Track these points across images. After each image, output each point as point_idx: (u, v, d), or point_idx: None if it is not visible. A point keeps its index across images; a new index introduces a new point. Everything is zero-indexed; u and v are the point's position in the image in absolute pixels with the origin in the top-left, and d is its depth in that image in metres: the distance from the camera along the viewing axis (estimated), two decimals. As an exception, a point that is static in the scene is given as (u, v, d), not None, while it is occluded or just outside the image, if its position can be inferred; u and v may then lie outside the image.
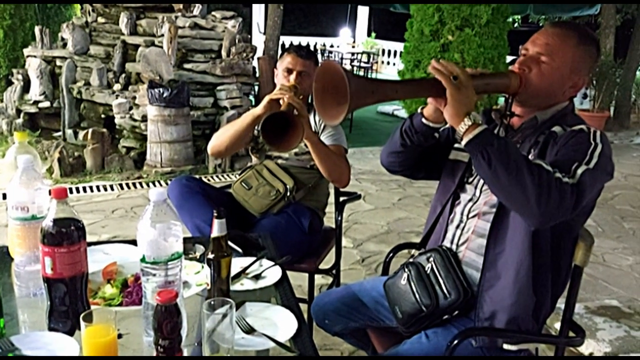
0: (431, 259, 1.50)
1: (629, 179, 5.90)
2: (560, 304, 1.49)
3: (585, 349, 2.52)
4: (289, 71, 2.18)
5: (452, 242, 1.54)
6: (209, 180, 5.03)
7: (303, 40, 13.95)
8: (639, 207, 4.96)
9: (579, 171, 1.23)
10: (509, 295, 1.37)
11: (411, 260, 1.58)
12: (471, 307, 1.44)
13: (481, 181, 1.48)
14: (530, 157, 1.36)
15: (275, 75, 2.27)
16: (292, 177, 2.21)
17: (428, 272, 1.49)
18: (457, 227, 1.53)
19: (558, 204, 1.19)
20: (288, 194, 2.19)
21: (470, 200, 1.51)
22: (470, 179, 1.53)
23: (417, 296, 1.47)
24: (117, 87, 5.73)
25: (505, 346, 1.41)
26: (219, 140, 2.19)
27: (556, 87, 1.41)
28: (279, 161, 2.26)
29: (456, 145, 1.58)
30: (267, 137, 1.81)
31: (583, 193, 1.22)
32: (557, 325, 1.56)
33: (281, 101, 2.00)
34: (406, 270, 1.54)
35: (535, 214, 1.20)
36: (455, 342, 1.36)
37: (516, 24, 11.46)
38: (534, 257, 1.34)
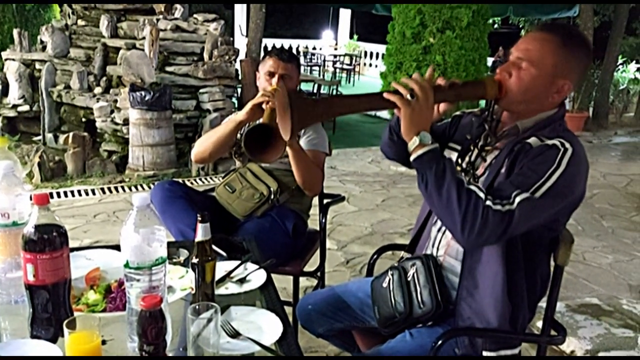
0: (414, 266, 1.51)
1: (607, 178, 6.00)
2: (542, 302, 1.51)
3: (566, 347, 2.56)
4: (271, 74, 2.18)
5: (433, 245, 1.55)
6: (192, 183, 5.01)
7: (285, 43, 13.95)
8: (618, 205, 5.05)
9: (518, 199, 1.23)
10: (486, 305, 1.38)
11: (396, 264, 1.59)
12: (446, 317, 1.46)
13: None
14: (503, 167, 1.35)
15: (257, 78, 2.27)
16: (275, 179, 2.22)
17: (409, 279, 1.50)
18: (439, 230, 1.54)
19: (480, 231, 1.22)
20: (272, 196, 2.19)
21: None
22: (464, 165, 1.51)
23: (393, 302, 1.49)
24: (98, 90, 5.68)
25: (485, 353, 1.42)
26: (202, 147, 2.19)
27: (538, 93, 1.37)
28: (263, 164, 2.26)
29: (450, 144, 1.57)
30: (249, 149, 1.81)
31: (519, 220, 1.23)
32: (539, 324, 1.58)
33: (264, 105, 2.00)
34: (389, 273, 1.56)
35: (459, 237, 1.26)
36: (440, 342, 1.37)
37: (496, 26, 11.59)
38: (508, 267, 1.36)
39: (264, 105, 2.01)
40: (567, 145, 1.31)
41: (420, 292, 1.46)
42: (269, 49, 2.67)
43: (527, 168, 1.30)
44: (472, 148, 1.49)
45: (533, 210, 1.25)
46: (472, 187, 1.25)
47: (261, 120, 1.98)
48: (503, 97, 1.38)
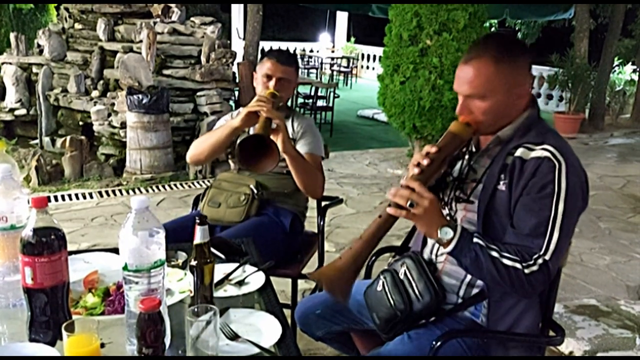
0: (404, 264, 1.53)
1: (604, 180, 6.01)
2: (540, 303, 1.52)
3: (565, 347, 2.56)
4: (268, 77, 2.14)
5: (431, 252, 1.55)
6: (189, 186, 5.02)
7: (283, 46, 13.94)
8: (614, 207, 5.06)
9: (547, 256, 1.30)
10: (491, 311, 1.41)
11: (386, 267, 1.60)
12: (448, 313, 1.47)
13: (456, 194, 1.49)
14: (501, 184, 1.37)
15: (254, 79, 2.25)
16: (249, 176, 2.20)
17: (402, 277, 1.52)
18: None
19: (531, 291, 1.33)
20: (256, 192, 2.18)
21: (447, 214, 1.51)
22: (446, 198, 1.52)
23: (391, 302, 1.50)
24: (95, 93, 5.68)
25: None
26: (198, 149, 2.18)
27: (505, 110, 1.40)
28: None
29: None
30: (243, 161, 1.80)
31: (555, 263, 1.32)
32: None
33: (260, 112, 1.97)
34: (381, 277, 1.57)
35: (517, 295, 1.38)
36: (439, 343, 1.38)
37: (493, 29, 11.62)
38: None
39: (259, 112, 1.98)
40: (559, 157, 1.33)
41: (415, 285, 1.47)
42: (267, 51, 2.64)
43: (532, 201, 1.32)
44: (453, 182, 1.49)
45: (562, 246, 1.32)
46: (506, 262, 1.30)
47: (256, 129, 1.95)
48: (479, 129, 1.42)
